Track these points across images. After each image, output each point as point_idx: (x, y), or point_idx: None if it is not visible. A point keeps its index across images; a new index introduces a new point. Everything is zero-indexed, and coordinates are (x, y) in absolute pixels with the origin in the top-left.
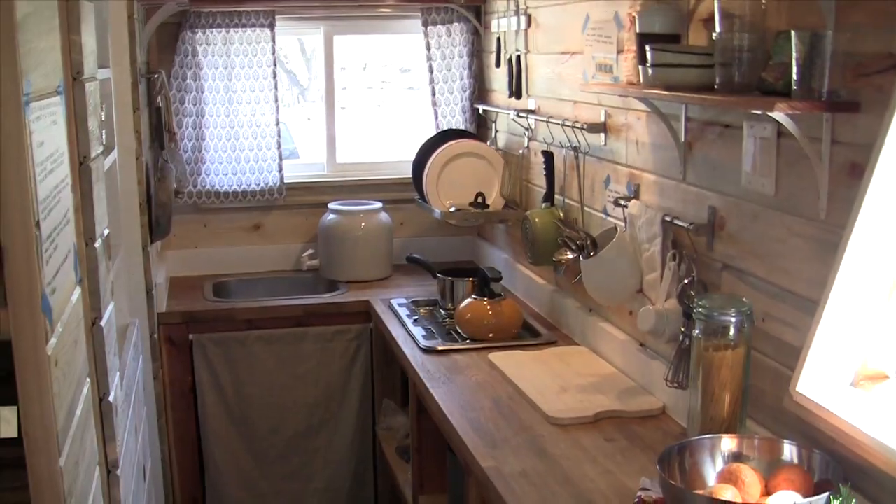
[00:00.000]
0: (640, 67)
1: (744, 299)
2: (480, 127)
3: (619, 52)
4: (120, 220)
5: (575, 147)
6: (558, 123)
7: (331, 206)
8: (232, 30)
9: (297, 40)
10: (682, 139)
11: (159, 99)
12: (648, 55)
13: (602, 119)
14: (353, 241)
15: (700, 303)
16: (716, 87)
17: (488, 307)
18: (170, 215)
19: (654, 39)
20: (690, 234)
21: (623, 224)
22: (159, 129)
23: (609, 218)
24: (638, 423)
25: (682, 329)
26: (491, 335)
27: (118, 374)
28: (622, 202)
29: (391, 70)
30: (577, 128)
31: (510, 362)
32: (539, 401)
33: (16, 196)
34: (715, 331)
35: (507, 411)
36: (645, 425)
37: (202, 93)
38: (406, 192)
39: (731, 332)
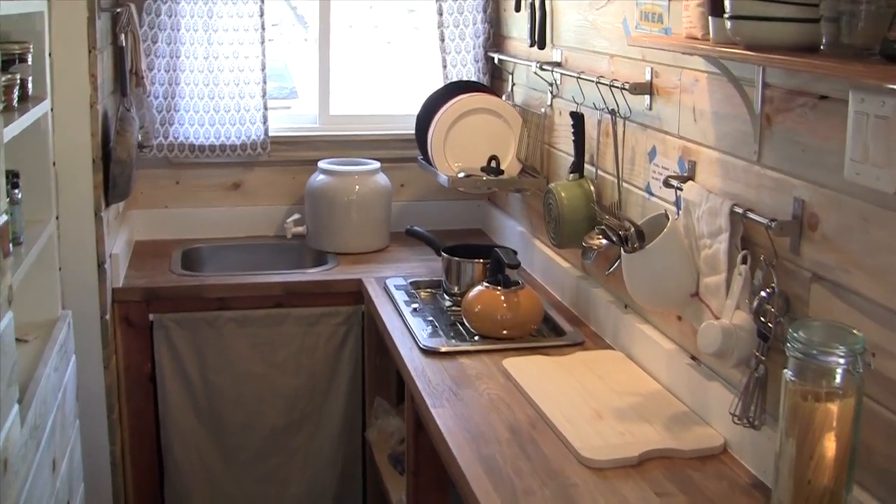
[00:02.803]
0: (710, 19)
1: (855, 331)
2: (495, 79)
3: None
4: (51, 185)
5: (612, 110)
6: (591, 81)
7: (321, 164)
8: None
9: None
10: (758, 110)
11: (122, 37)
12: (727, 2)
13: (647, 78)
14: (346, 206)
15: (796, 334)
16: (822, 48)
17: (502, 298)
18: (130, 174)
19: None
20: (771, 232)
21: (675, 210)
22: (122, 73)
23: (653, 199)
24: (695, 467)
25: (757, 353)
26: (505, 332)
27: (15, 409)
28: (674, 182)
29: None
30: (616, 87)
31: (530, 372)
32: (569, 432)
33: None
34: (816, 373)
35: (530, 446)
36: (704, 470)
37: (178, 30)
38: (408, 149)
39: (838, 376)
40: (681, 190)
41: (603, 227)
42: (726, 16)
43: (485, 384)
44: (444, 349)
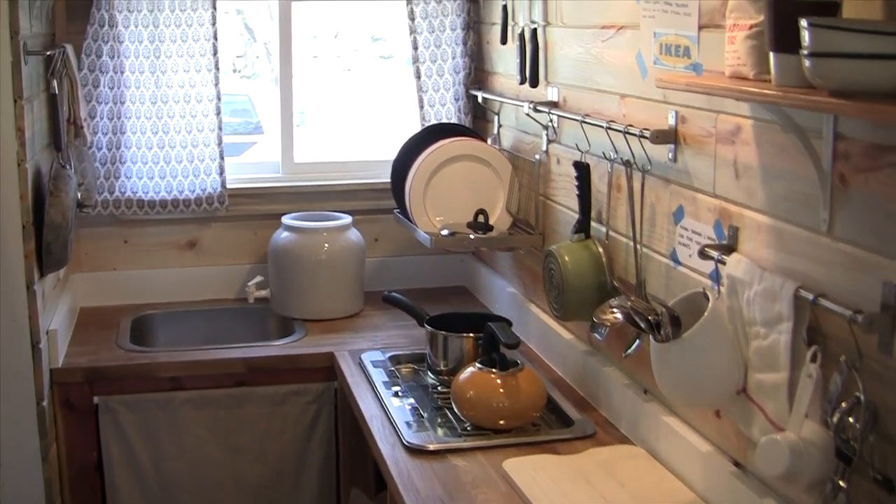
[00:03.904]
0: (773, 56)
1: None
2: (478, 119)
3: (703, 27)
4: None
5: (626, 161)
6: (599, 126)
7: (285, 220)
8: None
9: None
10: (829, 167)
11: (54, 84)
12: (805, 35)
13: (671, 123)
14: (314, 267)
15: None
16: None
17: (499, 383)
18: (66, 239)
19: (797, 9)
20: (855, 326)
21: (711, 284)
22: (56, 124)
23: (680, 268)
24: None
25: (836, 478)
26: (502, 422)
27: None
28: (714, 254)
29: (363, 38)
30: (632, 134)
31: (536, 477)
32: None
33: None
34: None
35: None
36: None
37: (122, 73)
38: (382, 199)
39: None
40: (723, 263)
41: (626, 308)
42: (803, 52)
43: (483, 494)
44: (432, 447)
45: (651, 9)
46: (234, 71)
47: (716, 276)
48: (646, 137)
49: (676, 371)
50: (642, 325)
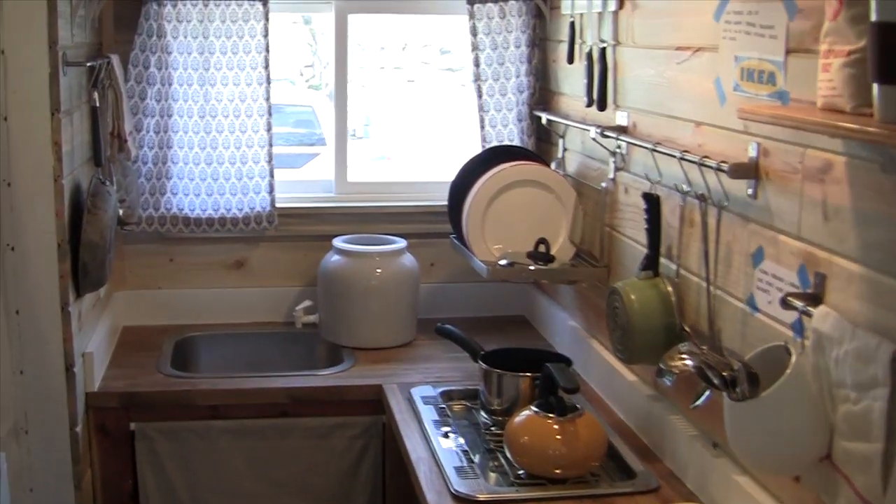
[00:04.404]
0: (876, 88)
1: None
2: (541, 142)
3: (791, 51)
4: (6, 275)
5: (701, 195)
6: (671, 155)
7: (336, 242)
8: (212, 3)
9: None
10: None
11: (95, 96)
12: None
13: (752, 156)
14: (365, 293)
15: None
16: None
17: (556, 429)
18: (104, 259)
19: None
20: None
21: (793, 335)
22: (95, 138)
23: (758, 315)
24: None
25: None
26: (558, 471)
27: None
28: (798, 304)
29: (431, 51)
30: (708, 166)
31: None
32: None
33: None
34: None
35: None
36: None
37: (170, 85)
38: (439, 223)
39: None
40: (808, 315)
41: (697, 359)
42: None
43: None
44: (482, 497)
45: (732, 30)
46: (305, 81)
47: (799, 328)
48: (723, 171)
49: (753, 433)
50: (716, 382)
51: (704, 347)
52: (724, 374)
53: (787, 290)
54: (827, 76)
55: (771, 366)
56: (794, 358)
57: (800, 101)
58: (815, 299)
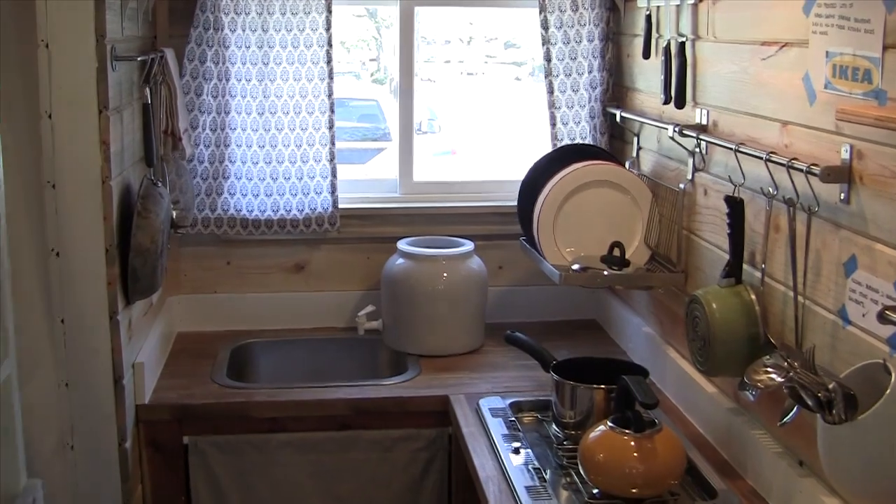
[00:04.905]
0: None
1: None
2: (615, 140)
3: (889, 47)
4: (52, 281)
5: (788, 199)
6: (757, 157)
7: (401, 245)
8: None
9: None
10: None
11: (147, 92)
12: None
13: (845, 158)
14: (431, 298)
15: None
16: None
17: (633, 445)
18: (155, 265)
19: None
20: None
21: (894, 355)
22: (147, 136)
23: (850, 328)
24: None
25: None
26: (635, 490)
27: None
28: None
29: (496, 45)
30: (797, 169)
31: None
32: None
33: None
34: None
35: None
36: None
37: (227, 80)
38: (508, 224)
39: None
40: None
41: (787, 377)
42: None
43: None
44: None
45: (824, 24)
46: (369, 74)
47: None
48: (814, 174)
49: (850, 458)
50: (810, 404)
51: (795, 363)
52: (819, 395)
53: (884, 303)
54: None
55: (868, 385)
56: (894, 377)
57: None
58: None
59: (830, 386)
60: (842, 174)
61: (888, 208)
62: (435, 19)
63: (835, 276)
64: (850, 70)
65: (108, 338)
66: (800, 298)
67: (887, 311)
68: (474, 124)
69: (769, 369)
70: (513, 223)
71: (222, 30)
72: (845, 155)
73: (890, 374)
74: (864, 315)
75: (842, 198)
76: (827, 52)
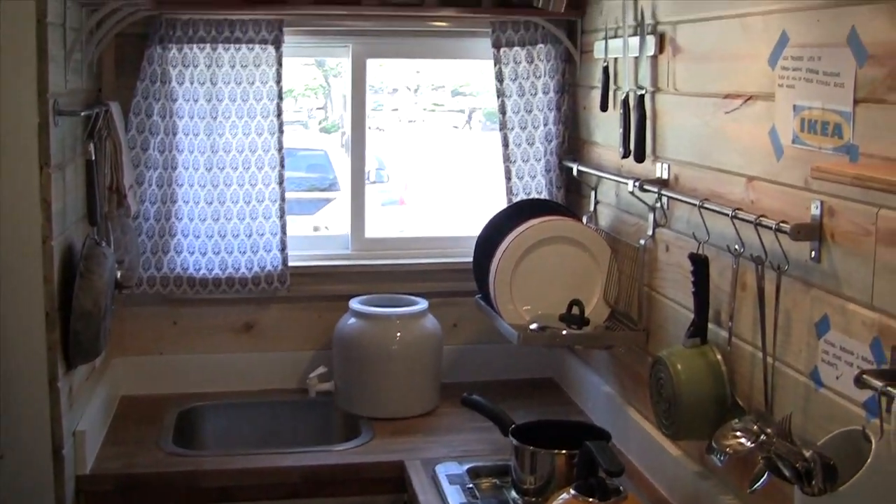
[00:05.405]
0: None
1: None
2: (571, 193)
3: (860, 101)
4: None
5: (757, 257)
6: (723, 213)
7: (353, 304)
8: (220, 46)
9: None
10: None
11: (91, 148)
12: None
13: (815, 214)
14: (384, 358)
15: None
16: None
17: None
18: (98, 328)
19: None
20: None
21: (869, 419)
22: (91, 195)
23: (823, 391)
24: None
25: None
26: None
27: None
28: (876, 383)
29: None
30: (765, 226)
31: None
32: None
33: None
34: None
35: None
36: None
37: (174, 135)
38: (462, 281)
39: None
40: (889, 396)
41: (771, 454)
42: None
43: None
44: None
45: (790, 76)
46: (317, 123)
47: (873, 407)
48: (784, 231)
49: None
50: (788, 474)
51: (769, 429)
52: (797, 465)
53: (858, 364)
54: None
55: (847, 453)
56: (874, 446)
57: (872, 157)
58: (894, 377)
59: (808, 455)
60: (812, 232)
61: (862, 267)
62: (383, 68)
63: (806, 337)
64: (820, 124)
65: (47, 405)
66: (769, 359)
67: (865, 376)
68: (423, 173)
69: (738, 434)
70: (468, 279)
71: (170, 82)
72: (815, 211)
73: (870, 442)
74: (837, 378)
75: (812, 256)
76: (794, 106)
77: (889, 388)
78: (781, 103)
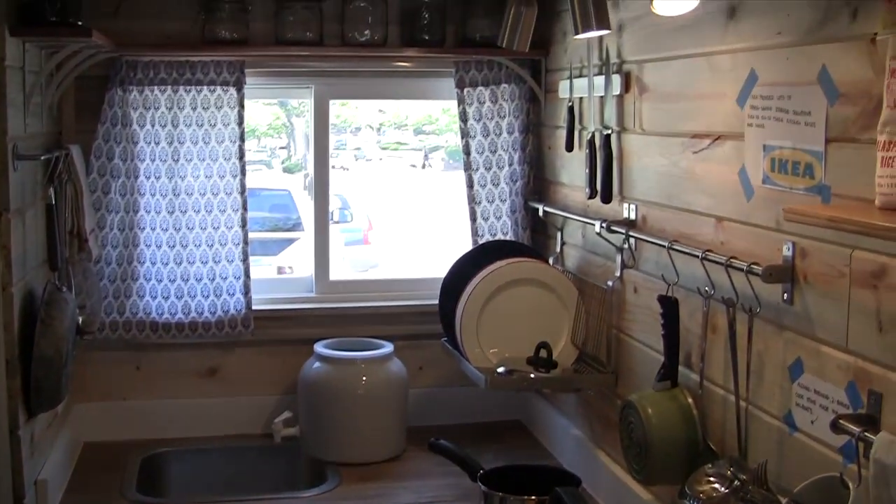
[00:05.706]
0: None
1: None
2: (537, 234)
3: (832, 140)
4: None
5: (728, 299)
6: (692, 255)
7: (318, 348)
8: (182, 88)
9: None
10: None
11: (51, 192)
12: None
13: (787, 256)
14: (350, 403)
15: None
16: None
17: None
18: (59, 375)
19: None
20: None
21: (845, 464)
22: (51, 239)
23: (797, 435)
24: None
25: None
26: None
27: None
28: (853, 429)
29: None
30: (736, 268)
31: None
32: None
33: None
34: None
35: None
36: None
37: (135, 178)
38: (428, 324)
39: None
40: (865, 442)
41: (741, 500)
42: None
43: None
44: None
45: (760, 116)
46: (280, 162)
47: (850, 451)
48: (755, 273)
49: None
50: None
51: (743, 476)
52: None
53: (833, 409)
54: (888, 172)
55: (824, 500)
56: (852, 493)
57: (843, 197)
58: (871, 421)
59: (784, 502)
60: (785, 273)
61: (836, 309)
62: (345, 107)
63: (779, 380)
64: (791, 164)
65: (7, 455)
66: (742, 403)
67: (841, 421)
68: (385, 212)
69: (712, 479)
70: (433, 322)
71: (131, 125)
72: (787, 253)
73: (848, 489)
74: (812, 422)
75: (785, 298)
76: (764, 146)
77: (867, 434)
78: (751, 143)
